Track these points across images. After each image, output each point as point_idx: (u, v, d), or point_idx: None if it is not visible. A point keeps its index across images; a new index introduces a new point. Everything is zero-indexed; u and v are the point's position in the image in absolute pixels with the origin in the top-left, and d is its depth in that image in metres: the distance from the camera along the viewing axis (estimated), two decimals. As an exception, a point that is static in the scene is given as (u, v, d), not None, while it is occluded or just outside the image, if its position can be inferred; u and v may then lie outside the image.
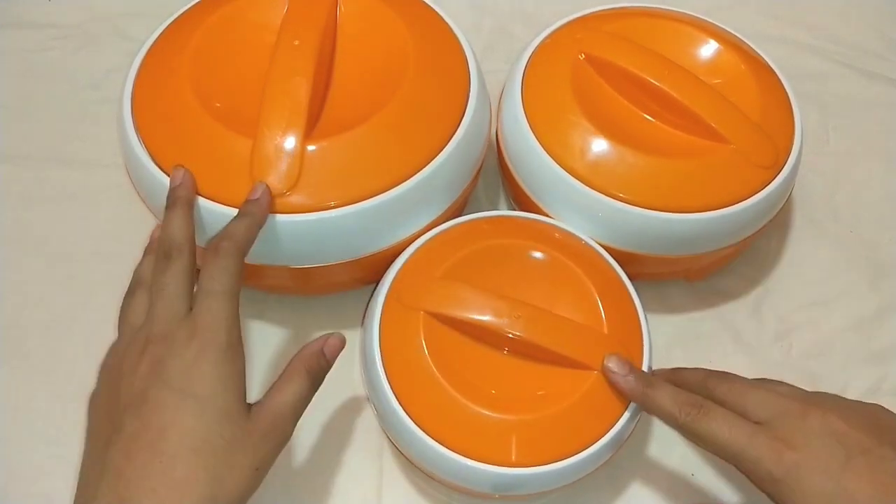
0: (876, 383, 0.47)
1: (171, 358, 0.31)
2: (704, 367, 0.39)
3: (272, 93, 0.40)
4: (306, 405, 0.34)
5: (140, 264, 0.38)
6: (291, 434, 0.33)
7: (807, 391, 0.35)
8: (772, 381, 0.37)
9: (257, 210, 0.37)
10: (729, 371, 0.37)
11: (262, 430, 0.32)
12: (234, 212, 0.38)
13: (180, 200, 0.37)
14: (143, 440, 0.29)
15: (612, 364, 0.37)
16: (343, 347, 0.36)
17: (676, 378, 0.38)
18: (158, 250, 0.35)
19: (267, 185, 0.38)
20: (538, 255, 0.41)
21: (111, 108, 0.58)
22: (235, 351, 0.32)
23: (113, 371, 0.33)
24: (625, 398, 0.38)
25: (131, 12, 0.64)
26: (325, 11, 0.44)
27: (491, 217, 0.45)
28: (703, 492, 0.44)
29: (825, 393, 0.35)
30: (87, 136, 0.57)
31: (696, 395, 0.35)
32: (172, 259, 0.34)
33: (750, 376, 0.42)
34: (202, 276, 0.34)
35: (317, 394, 0.45)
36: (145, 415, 0.30)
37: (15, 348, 0.48)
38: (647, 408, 0.36)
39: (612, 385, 0.38)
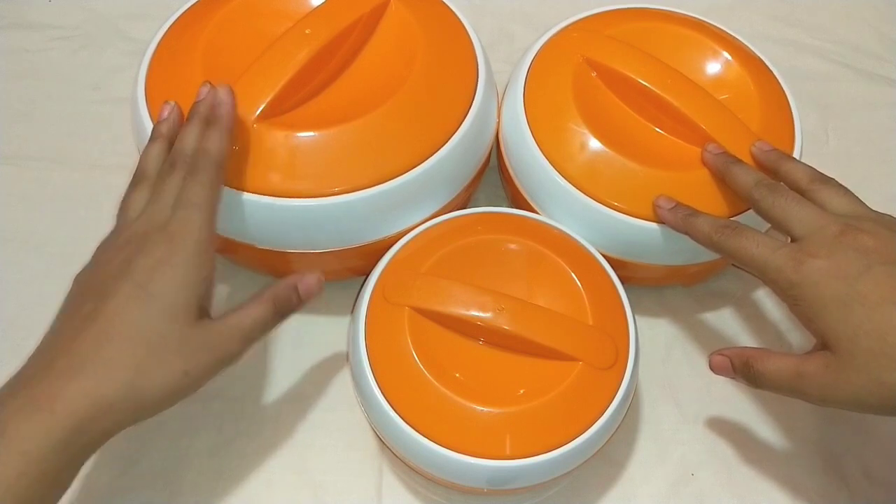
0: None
1: (140, 256, 0.33)
2: (703, 368, 0.39)
3: (256, 67, 0.41)
4: (263, 332, 0.36)
5: (146, 153, 0.39)
6: (239, 355, 0.35)
7: (859, 208, 0.37)
8: (827, 188, 0.38)
9: (224, 113, 0.38)
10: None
11: (205, 340, 0.33)
12: (253, 198, 0.39)
13: (214, 118, 0.38)
14: (93, 322, 0.32)
15: (660, 201, 0.41)
16: (320, 292, 0.37)
17: (728, 172, 0.40)
18: (169, 156, 0.37)
19: (229, 87, 0.39)
20: (523, 249, 0.41)
21: (111, 109, 0.58)
22: (202, 260, 0.34)
23: (96, 260, 0.36)
24: (613, 386, 0.38)
25: (132, 13, 0.64)
26: (357, 14, 0.44)
27: (476, 213, 0.45)
28: (703, 492, 0.44)
29: (882, 215, 0.37)
30: (87, 136, 0.57)
31: (732, 220, 0.39)
32: (177, 169, 0.36)
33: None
34: (182, 188, 0.36)
35: (316, 393, 0.46)
36: (102, 301, 0.32)
37: (15, 348, 0.47)
38: (690, 233, 0.40)
39: (660, 219, 0.41)
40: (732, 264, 0.45)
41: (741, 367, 0.37)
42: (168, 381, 0.32)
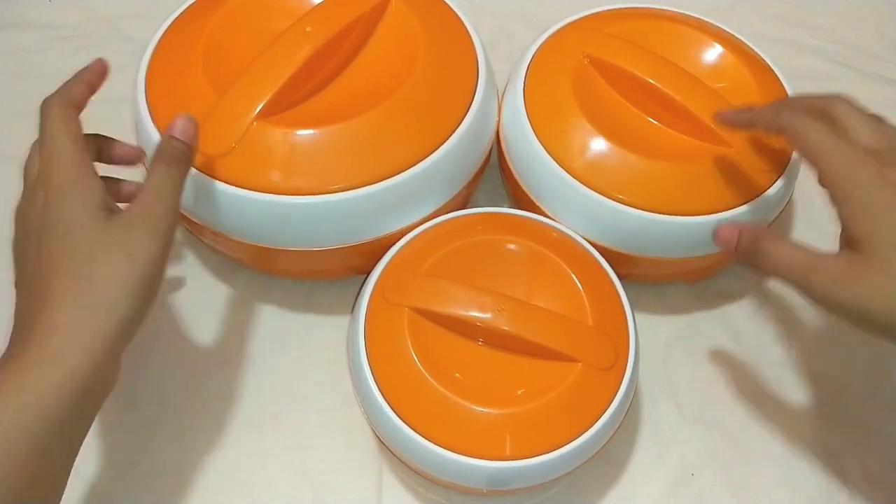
0: (877, 383, 0.47)
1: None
2: (703, 368, 0.39)
3: (257, 65, 0.41)
4: (175, 187, 0.36)
5: None
6: (170, 219, 0.35)
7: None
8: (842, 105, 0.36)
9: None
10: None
11: (128, 222, 0.34)
12: (253, 195, 0.40)
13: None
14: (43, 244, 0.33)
15: (723, 113, 0.40)
16: (196, 129, 0.38)
17: (747, 121, 0.39)
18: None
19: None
20: (523, 249, 0.41)
21: (111, 109, 0.58)
22: (83, 175, 0.35)
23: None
24: (613, 387, 0.38)
25: (131, 13, 0.64)
26: (358, 12, 0.44)
27: (476, 214, 0.45)
28: (703, 492, 0.44)
29: None
30: (88, 136, 0.57)
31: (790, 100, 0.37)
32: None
33: (750, 375, 0.42)
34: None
35: (316, 393, 0.46)
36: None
37: (15, 348, 0.47)
38: (753, 122, 0.39)
39: (724, 122, 0.40)
40: (736, 263, 0.44)
41: (747, 243, 0.35)
42: (115, 265, 0.32)
